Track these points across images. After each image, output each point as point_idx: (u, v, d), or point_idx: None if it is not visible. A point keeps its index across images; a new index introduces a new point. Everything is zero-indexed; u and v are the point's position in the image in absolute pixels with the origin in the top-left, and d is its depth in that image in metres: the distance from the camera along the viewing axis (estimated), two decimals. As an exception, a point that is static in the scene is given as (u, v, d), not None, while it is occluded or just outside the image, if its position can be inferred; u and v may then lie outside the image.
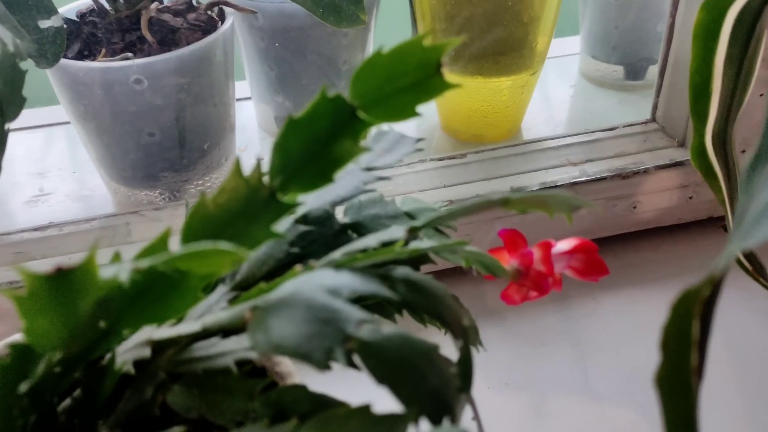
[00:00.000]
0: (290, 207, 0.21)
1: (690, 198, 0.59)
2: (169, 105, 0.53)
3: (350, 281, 0.20)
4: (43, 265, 0.46)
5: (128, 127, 0.54)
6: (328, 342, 0.18)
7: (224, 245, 0.17)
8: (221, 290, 0.27)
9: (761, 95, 0.52)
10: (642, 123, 0.62)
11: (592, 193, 0.56)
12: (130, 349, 0.26)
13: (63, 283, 0.18)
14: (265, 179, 0.21)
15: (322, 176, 0.21)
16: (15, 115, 0.37)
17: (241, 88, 0.72)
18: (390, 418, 0.18)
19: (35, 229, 0.53)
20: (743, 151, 0.55)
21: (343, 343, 0.18)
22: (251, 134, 0.72)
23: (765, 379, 0.49)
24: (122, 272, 0.17)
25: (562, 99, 0.76)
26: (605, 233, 0.59)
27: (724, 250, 0.17)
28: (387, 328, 0.20)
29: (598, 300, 0.56)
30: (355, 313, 0.19)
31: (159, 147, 0.56)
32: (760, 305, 0.55)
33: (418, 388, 0.18)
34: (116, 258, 0.20)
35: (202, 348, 0.25)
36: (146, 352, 0.25)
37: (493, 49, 0.60)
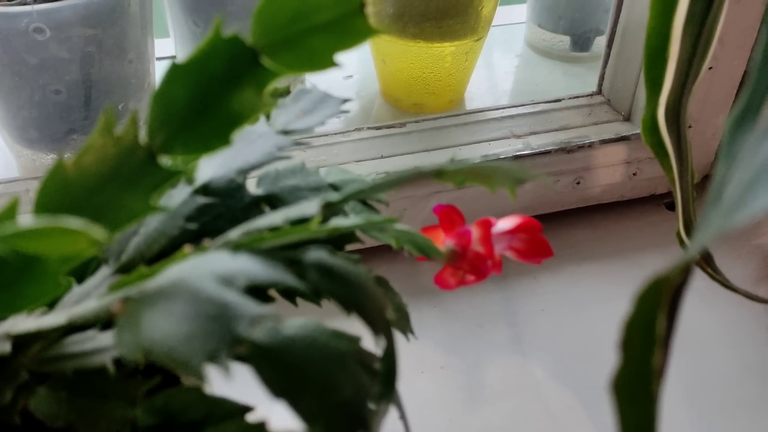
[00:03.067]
0: (174, 174, 0.17)
1: (634, 174, 0.57)
2: (76, 59, 0.48)
3: (247, 267, 0.16)
4: None
5: (30, 83, 0.48)
6: (211, 344, 0.14)
7: (71, 222, 0.13)
8: (104, 272, 0.22)
9: (710, 68, 0.51)
10: (588, 95, 0.60)
11: (535, 168, 0.54)
12: (-12, 343, 0.21)
13: None
14: (142, 137, 0.17)
15: (216, 135, 0.17)
16: None
17: (166, 46, 0.66)
18: (288, 440, 0.14)
19: None
20: (690, 126, 0.54)
21: (232, 346, 0.15)
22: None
23: (704, 362, 0.48)
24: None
25: (507, 69, 0.73)
26: (546, 210, 0.57)
27: (702, 226, 0.14)
28: (292, 324, 0.16)
29: (539, 279, 0.54)
30: (250, 307, 0.15)
31: (66, 106, 0.50)
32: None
33: (324, 399, 0.15)
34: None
35: (77, 343, 0.21)
36: (5, 348, 0.20)
37: (436, 12, 0.57)
